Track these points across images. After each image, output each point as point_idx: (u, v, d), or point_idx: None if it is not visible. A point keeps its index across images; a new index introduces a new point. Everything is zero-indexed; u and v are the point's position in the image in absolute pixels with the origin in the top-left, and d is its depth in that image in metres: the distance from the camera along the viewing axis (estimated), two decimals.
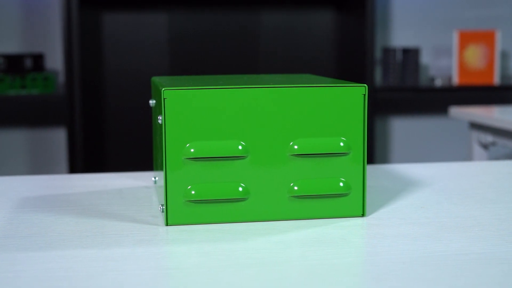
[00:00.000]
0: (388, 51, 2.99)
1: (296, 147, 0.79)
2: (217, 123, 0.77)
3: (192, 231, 0.75)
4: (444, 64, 3.18)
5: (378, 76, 3.11)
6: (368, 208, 0.84)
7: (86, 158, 2.79)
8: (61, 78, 2.85)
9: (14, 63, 2.73)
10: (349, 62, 2.99)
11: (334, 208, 0.80)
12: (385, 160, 3.21)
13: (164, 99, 0.76)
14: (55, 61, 2.87)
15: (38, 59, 2.76)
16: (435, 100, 3.22)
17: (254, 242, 0.71)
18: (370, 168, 1.09)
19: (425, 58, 3.19)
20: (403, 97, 3.21)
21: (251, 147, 0.78)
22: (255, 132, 0.78)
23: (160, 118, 0.77)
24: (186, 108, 0.77)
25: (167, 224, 0.78)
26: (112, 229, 0.76)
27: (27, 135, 2.90)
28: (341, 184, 0.80)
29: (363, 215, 0.81)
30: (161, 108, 0.76)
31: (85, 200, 0.89)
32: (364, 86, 0.79)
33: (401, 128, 3.21)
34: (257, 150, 0.78)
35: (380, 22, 3.12)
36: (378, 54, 3.12)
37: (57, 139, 2.93)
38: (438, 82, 2.99)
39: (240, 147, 0.78)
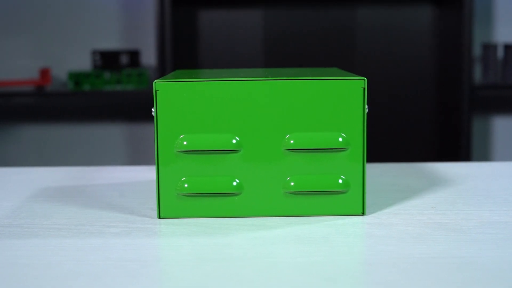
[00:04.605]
0: (488, 47, 2.87)
1: (292, 141, 0.76)
2: (211, 116, 0.76)
3: (180, 225, 0.74)
4: None
5: (478, 73, 2.99)
6: (374, 206, 0.81)
7: None
8: (156, 75, 2.91)
9: (110, 59, 2.81)
10: (447, 58, 2.89)
11: (332, 205, 0.77)
12: (485, 160, 3.08)
13: (155, 91, 0.76)
14: (150, 57, 2.94)
15: (134, 56, 2.83)
16: None
17: (233, 237, 0.69)
18: (401, 166, 1.04)
19: None
20: (504, 95, 3.07)
21: (245, 141, 0.76)
22: (250, 125, 0.76)
23: (153, 110, 0.77)
24: (178, 101, 0.76)
25: (159, 217, 0.77)
26: (103, 220, 0.76)
27: (122, 129, 2.99)
28: (340, 181, 0.77)
29: (363, 213, 0.78)
30: (154, 100, 0.76)
31: (99, 191, 0.90)
32: (364, 79, 0.76)
33: (503, 127, 3.07)
34: (252, 144, 0.77)
35: (480, 16, 3.00)
36: (478, 50, 3.00)
37: (150, 133, 3.00)
38: None
39: (234, 141, 0.76)
